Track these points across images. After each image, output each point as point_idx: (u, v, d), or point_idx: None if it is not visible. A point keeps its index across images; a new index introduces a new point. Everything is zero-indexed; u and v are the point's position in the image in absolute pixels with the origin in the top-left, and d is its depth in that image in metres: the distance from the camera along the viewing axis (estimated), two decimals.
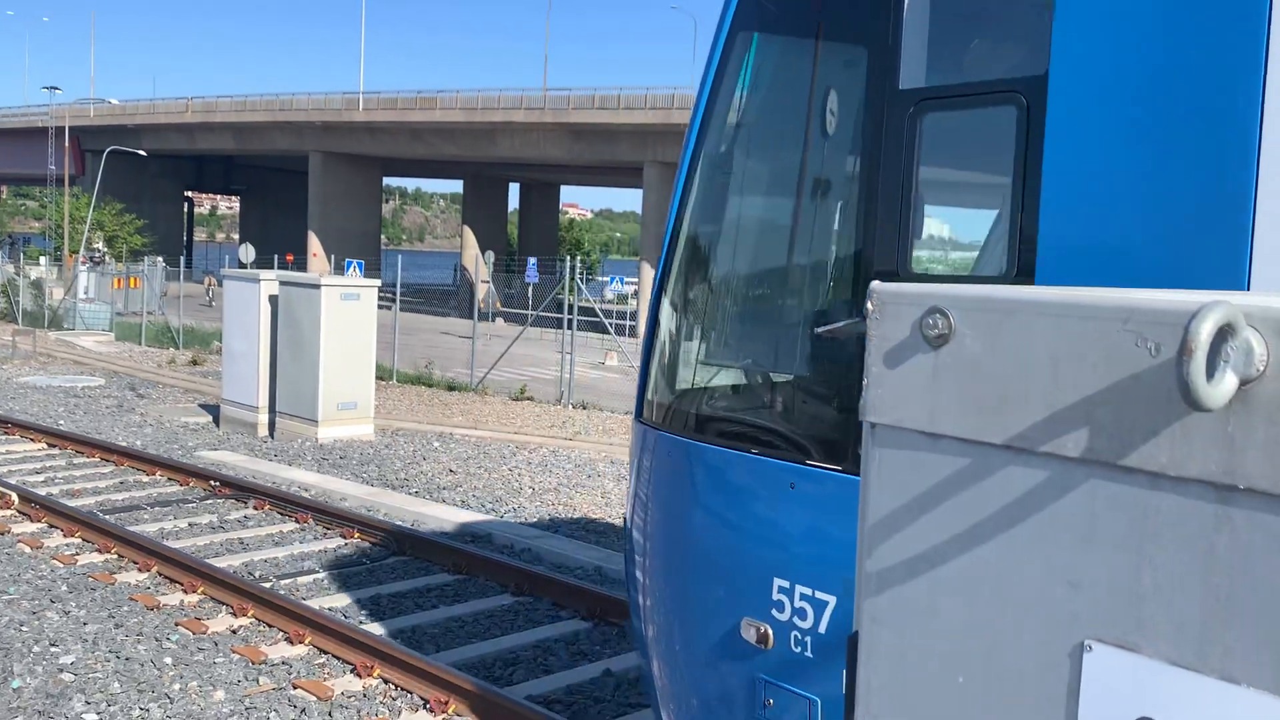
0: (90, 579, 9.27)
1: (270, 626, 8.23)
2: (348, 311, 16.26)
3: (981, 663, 1.36)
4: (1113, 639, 1.25)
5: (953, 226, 4.50)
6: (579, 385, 24.44)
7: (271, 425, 17.01)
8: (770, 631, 3.68)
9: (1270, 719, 1.13)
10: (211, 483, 12.86)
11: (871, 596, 1.48)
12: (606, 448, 17.46)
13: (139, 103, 75.20)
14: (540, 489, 13.88)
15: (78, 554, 9.98)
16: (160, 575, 9.38)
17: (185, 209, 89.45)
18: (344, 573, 9.77)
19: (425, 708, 6.91)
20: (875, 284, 1.50)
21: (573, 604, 8.92)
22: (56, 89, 69.17)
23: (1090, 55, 2.98)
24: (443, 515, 11.89)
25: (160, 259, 46.91)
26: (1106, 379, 1.24)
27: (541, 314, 31.16)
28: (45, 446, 15.20)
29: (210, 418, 18.47)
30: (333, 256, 39.52)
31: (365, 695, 7.09)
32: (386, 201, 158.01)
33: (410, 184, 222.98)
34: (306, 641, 7.87)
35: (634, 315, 49.15)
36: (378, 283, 17.28)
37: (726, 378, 4.51)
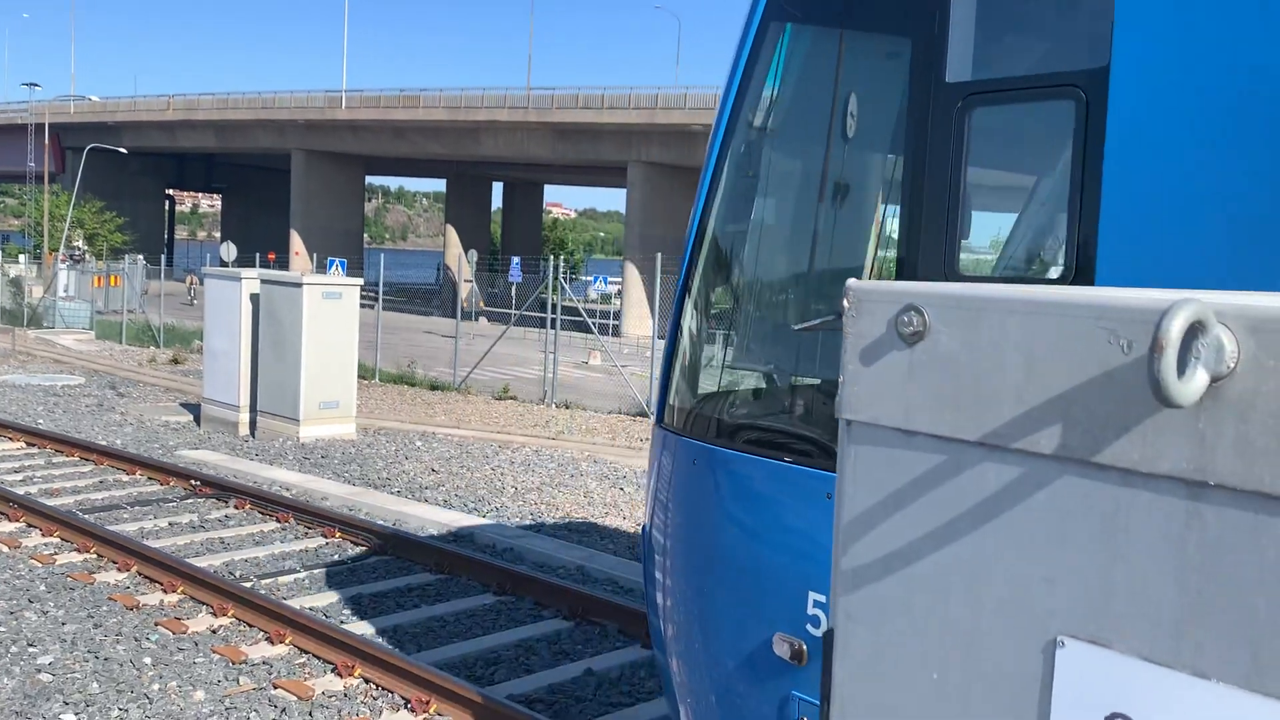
0: (69, 579, 9.21)
1: (251, 626, 8.19)
2: (330, 310, 16.20)
3: (956, 659, 1.37)
4: (1085, 635, 1.25)
5: (1003, 227, 4.26)
6: (562, 384, 24.42)
7: (253, 424, 16.94)
8: (805, 647, 3.54)
9: (1240, 714, 1.14)
10: (192, 482, 12.80)
11: (847, 593, 1.48)
12: (590, 447, 17.45)
13: (120, 100, 74.79)
14: (523, 488, 13.87)
15: (56, 554, 9.91)
16: (140, 575, 9.33)
17: (166, 207, 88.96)
18: (325, 572, 9.74)
19: (406, 707, 6.89)
20: (851, 281, 1.50)
21: (555, 603, 8.91)
22: (36, 86, 68.52)
23: (1157, 46, 2.85)
24: (425, 515, 11.86)
25: (141, 257, 46.60)
26: (1079, 376, 1.24)
27: (525, 313, 31.12)
28: (24, 445, 15.10)
29: (191, 417, 18.38)
30: (315, 255, 39.38)
31: (346, 695, 7.07)
32: (369, 200, 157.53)
33: (393, 182, 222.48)
34: (287, 641, 7.84)
35: (617, 315, 49.17)
36: (360, 281, 17.22)
37: (757, 384, 4.35)
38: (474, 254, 57.37)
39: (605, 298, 57.24)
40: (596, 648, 8.17)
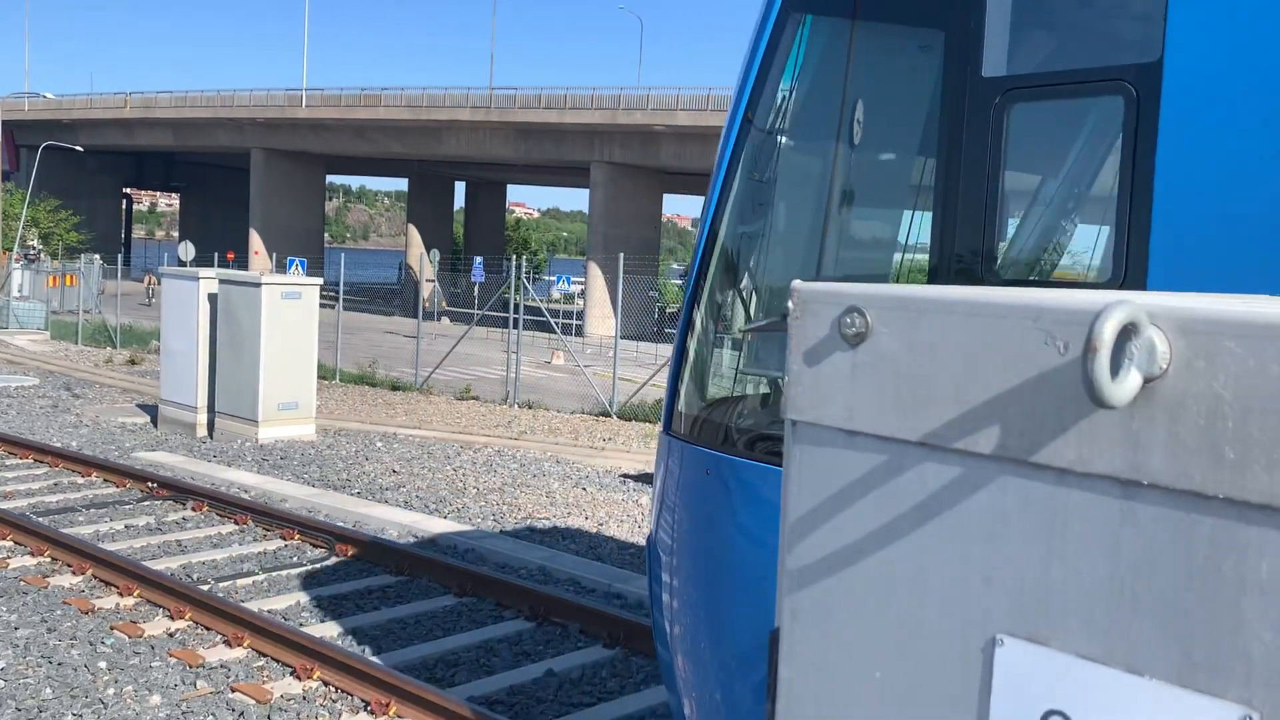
0: (22, 583, 9.08)
1: (208, 629, 8.11)
2: (289, 310, 16.07)
3: (898, 658, 1.38)
4: (1024, 633, 1.27)
5: (1043, 229, 4.03)
6: (525, 384, 24.37)
7: (211, 425, 16.77)
8: None
9: (1171, 709, 1.15)
10: (149, 484, 12.64)
11: (793, 593, 1.49)
12: (552, 447, 17.43)
13: (76, 98, 73.70)
14: (485, 489, 13.82)
15: (9, 557, 9.76)
16: (95, 578, 9.21)
17: (124, 206, 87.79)
18: (284, 574, 9.66)
19: (366, 710, 6.85)
20: (796, 282, 1.51)
21: (516, 604, 8.89)
22: None
23: (1215, 38, 2.71)
24: (385, 516, 11.79)
25: (97, 256, 46.05)
26: (1017, 377, 1.26)
27: (488, 313, 31.02)
28: None
29: (148, 418, 18.16)
30: (275, 254, 39.03)
31: (305, 698, 7.01)
32: (330, 199, 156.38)
33: (355, 182, 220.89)
34: (245, 644, 7.77)
35: (580, 315, 49.13)
36: (319, 281, 17.09)
37: (771, 390, 4.18)
38: (436, 253, 57.14)
39: (568, 297, 57.18)
40: (558, 648, 8.16)
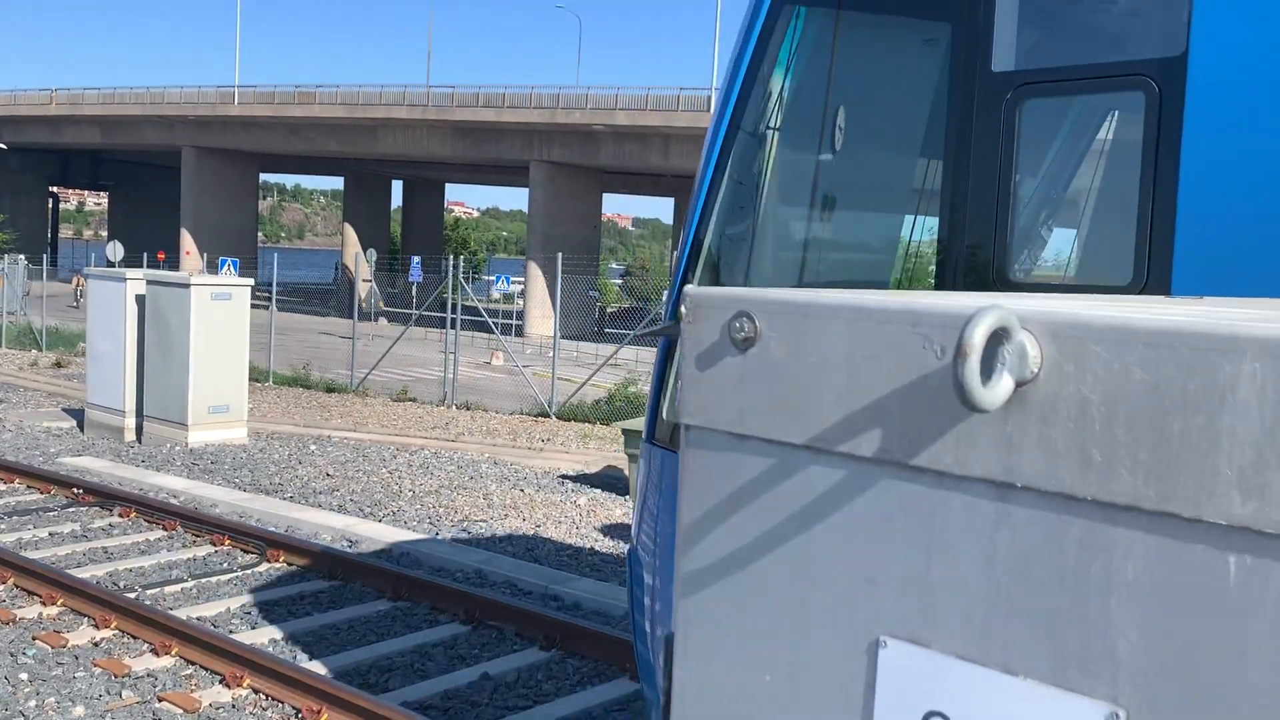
0: None
1: (135, 638, 7.95)
2: (219, 311, 15.82)
3: (787, 660, 1.39)
4: (905, 634, 1.28)
5: (1058, 230, 3.84)
6: (463, 386, 24.22)
7: (139, 430, 16.45)
8: None
9: (1045, 708, 1.17)
10: (74, 490, 12.37)
11: (686, 597, 1.49)
12: (490, 448, 17.34)
13: None
14: (421, 491, 13.71)
15: None
16: (17, 587, 8.99)
17: (50, 205, 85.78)
18: (213, 581, 9.50)
19: (297, 717, 6.76)
20: (689, 287, 1.52)
21: (452, 608, 8.83)
22: None
23: (1241, 32, 2.61)
24: (318, 520, 11.65)
25: (22, 257, 44.87)
26: (897, 381, 1.27)
27: (425, 313, 30.78)
28: None
29: (74, 422, 17.78)
30: (206, 254, 38.33)
31: (235, 706, 6.91)
32: (264, 198, 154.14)
33: (289, 180, 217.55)
34: (173, 652, 7.63)
35: (520, 315, 48.92)
36: (251, 282, 16.85)
37: None
38: (373, 253, 56.56)
39: (508, 297, 56.89)
40: (494, 651, 8.12)
